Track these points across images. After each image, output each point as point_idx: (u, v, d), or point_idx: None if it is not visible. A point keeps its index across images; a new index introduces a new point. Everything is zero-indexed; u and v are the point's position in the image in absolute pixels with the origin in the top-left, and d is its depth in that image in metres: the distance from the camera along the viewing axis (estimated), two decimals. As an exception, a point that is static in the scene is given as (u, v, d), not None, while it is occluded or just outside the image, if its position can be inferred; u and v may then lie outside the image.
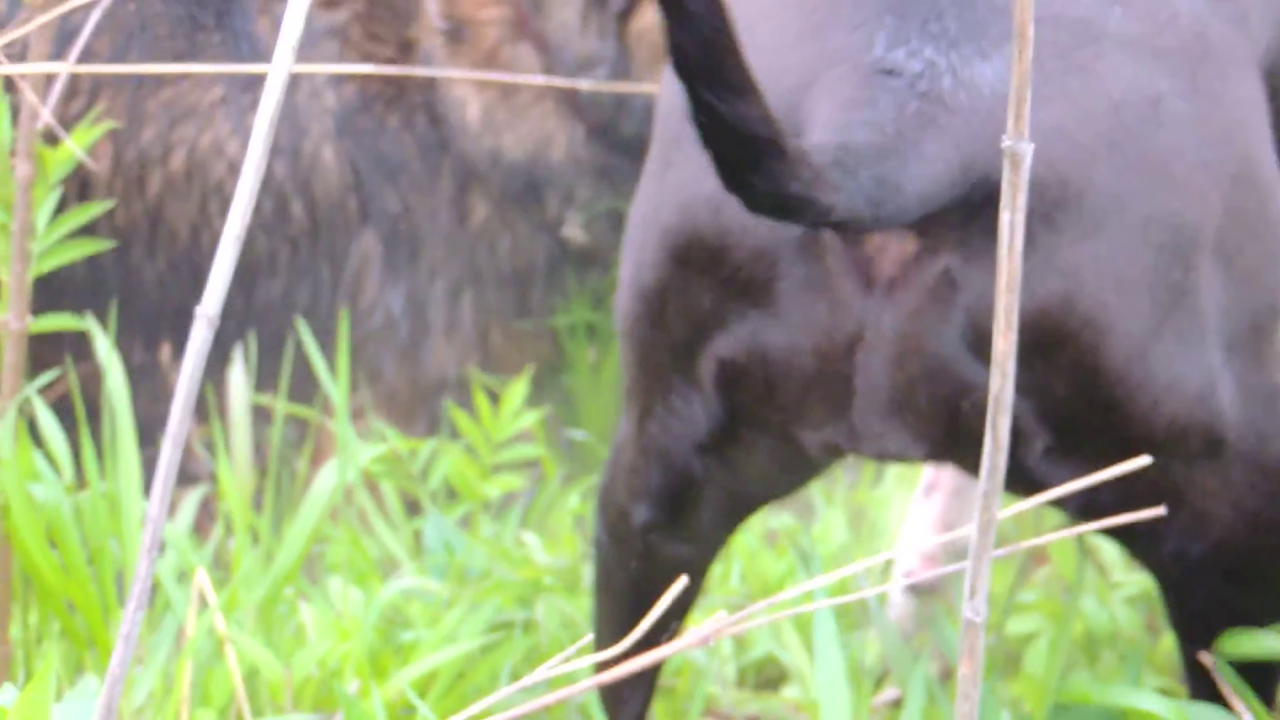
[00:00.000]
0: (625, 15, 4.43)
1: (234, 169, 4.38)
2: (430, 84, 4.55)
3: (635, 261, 3.63)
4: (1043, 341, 3.34)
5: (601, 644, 3.48)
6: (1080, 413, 3.43)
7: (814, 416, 3.38)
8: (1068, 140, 3.50)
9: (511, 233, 4.57)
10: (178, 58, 4.58)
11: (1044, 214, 3.38)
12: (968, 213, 3.26)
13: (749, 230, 3.30)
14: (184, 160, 4.59)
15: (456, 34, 4.50)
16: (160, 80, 4.55)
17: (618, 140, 4.54)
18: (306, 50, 4.41)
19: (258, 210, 4.24)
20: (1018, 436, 3.12)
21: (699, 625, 2.97)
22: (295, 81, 4.42)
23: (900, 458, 3.66)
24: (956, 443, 3.35)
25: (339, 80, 4.51)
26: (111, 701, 2.09)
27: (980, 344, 3.11)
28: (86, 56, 3.67)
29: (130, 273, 4.50)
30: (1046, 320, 3.35)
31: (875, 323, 3.26)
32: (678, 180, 3.54)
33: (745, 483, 3.58)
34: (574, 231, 4.67)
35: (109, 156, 4.48)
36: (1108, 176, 3.54)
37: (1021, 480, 3.33)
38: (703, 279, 3.39)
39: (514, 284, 4.59)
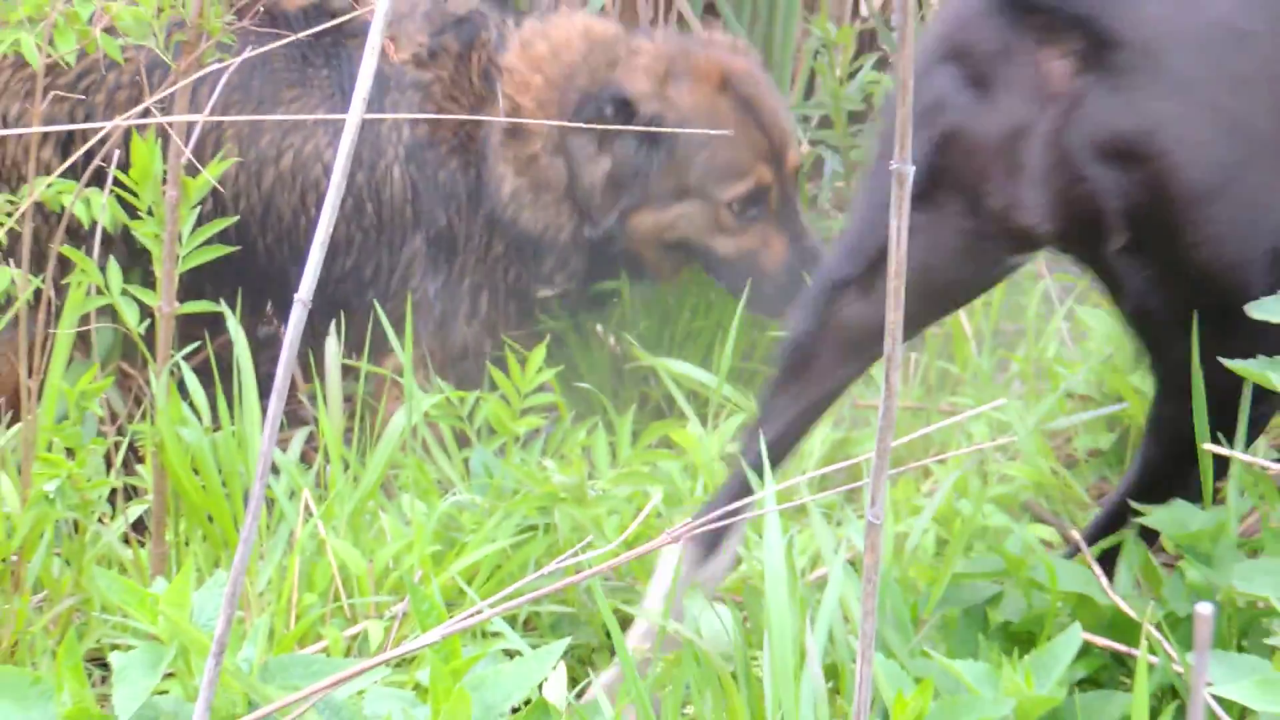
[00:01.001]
0: (626, 214, 4.51)
1: (327, 171, 4.41)
2: (484, 154, 4.55)
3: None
4: (1128, 158, 3.54)
5: (761, 407, 3.58)
6: (1153, 222, 3.55)
7: (994, 181, 3.57)
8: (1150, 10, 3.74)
9: (519, 268, 4.62)
10: (290, 86, 4.60)
11: (1129, 67, 3.65)
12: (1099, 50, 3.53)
13: (990, 38, 3.61)
14: (290, 162, 4.62)
15: (514, 130, 4.50)
16: (277, 100, 4.59)
17: (608, 241, 4.53)
18: (395, 95, 4.56)
19: (340, 206, 4.22)
20: (1102, 230, 3.56)
21: (674, 527, 2.95)
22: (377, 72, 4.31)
23: (1035, 236, 3.73)
24: (1071, 223, 3.60)
25: (415, 121, 4.49)
26: (236, 589, 2.07)
27: (1096, 147, 3.56)
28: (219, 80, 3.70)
29: (247, 247, 4.49)
30: (1131, 145, 3.56)
31: (1039, 118, 3.54)
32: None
33: (931, 256, 3.61)
34: (559, 287, 4.70)
35: (236, 154, 4.49)
36: (1189, 45, 3.76)
37: (1100, 269, 3.73)
38: (947, 66, 3.61)
39: (516, 297, 4.65)
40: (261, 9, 4.16)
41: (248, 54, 4.03)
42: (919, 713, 2.55)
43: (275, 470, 3.60)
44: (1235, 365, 3.02)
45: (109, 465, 3.67)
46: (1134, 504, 3.20)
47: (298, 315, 2.05)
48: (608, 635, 3.06)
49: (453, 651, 2.31)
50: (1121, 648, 2.73)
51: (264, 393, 3.63)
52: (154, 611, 2.42)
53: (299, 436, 3.97)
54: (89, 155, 3.94)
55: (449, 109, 4.57)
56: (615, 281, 4.77)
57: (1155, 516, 2.99)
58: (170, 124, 3.37)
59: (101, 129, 3.84)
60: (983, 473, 3.43)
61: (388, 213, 4.59)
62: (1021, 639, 2.83)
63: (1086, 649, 2.73)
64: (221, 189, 4.15)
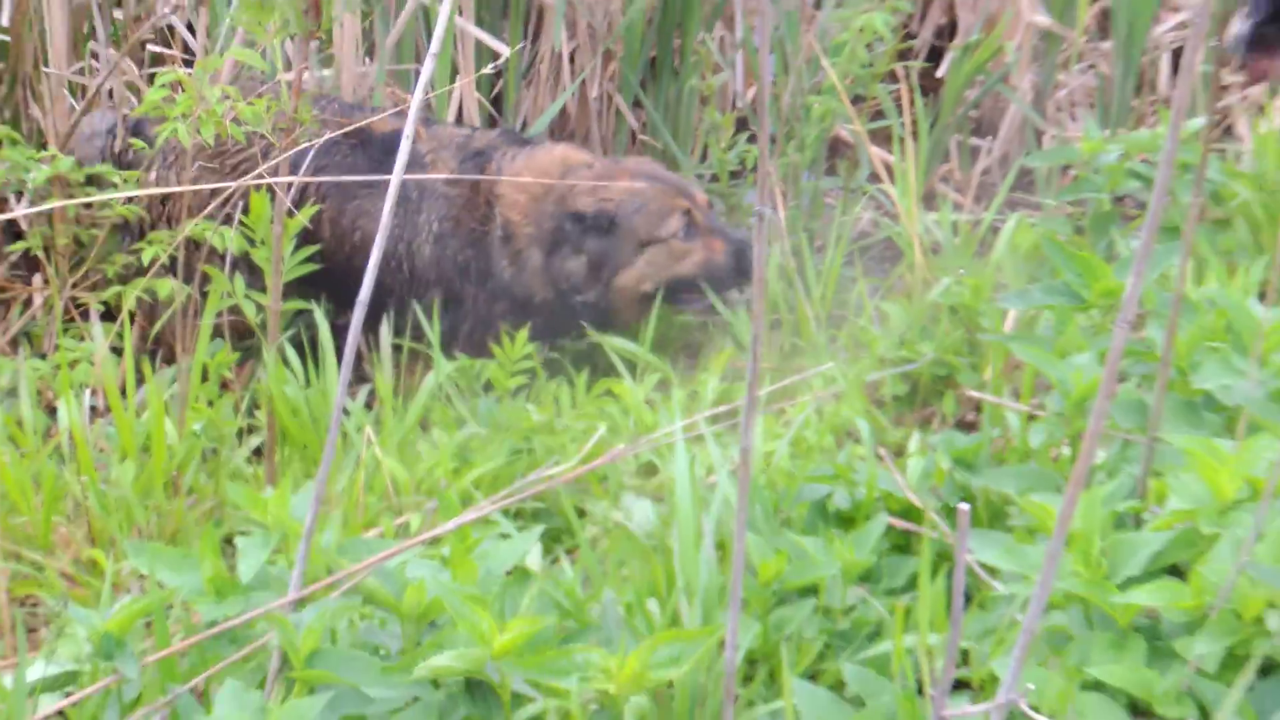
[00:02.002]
0: (609, 282, 4.46)
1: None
2: (489, 248, 4.56)
3: None
4: None
5: None
6: None
7: None
8: None
9: (512, 317, 4.51)
10: (366, 184, 4.48)
11: None
12: None
13: None
14: (355, 210, 4.53)
15: (506, 236, 4.52)
16: (356, 192, 4.50)
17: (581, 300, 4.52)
18: (430, 199, 4.53)
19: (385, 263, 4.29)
20: None
21: (613, 449, 2.92)
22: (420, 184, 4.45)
23: None
24: None
25: (442, 218, 4.53)
26: (319, 493, 2.05)
27: None
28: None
29: (335, 267, 4.42)
30: None
31: None
32: None
33: None
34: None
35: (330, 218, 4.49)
36: None
37: None
38: None
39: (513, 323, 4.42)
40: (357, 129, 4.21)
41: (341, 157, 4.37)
42: (777, 571, 2.54)
43: (346, 413, 3.58)
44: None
45: (236, 411, 3.63)
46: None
47: (358, 313, 2.05)
48: (569, 522, 3.05)
49: (466, 534, 2.29)
50: (913, 527, 2.71)
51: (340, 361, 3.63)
52: (265, 509, 2.41)
53: (363, 391, 3.94)
54: (223, 204, 3.96)
55: (463, 217, 4.55)
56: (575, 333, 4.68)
57: (936, 439, 2.98)
58: (275, 185, 3.34)
59: (229, 188, 3.81)
60: (820, 411, 3.40)
61: (417, 273, 4.56)
62: (847, 522, 2.81)
63: (890, 529, 2.73)
64: (310, 228, 4.12)
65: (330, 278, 4.36)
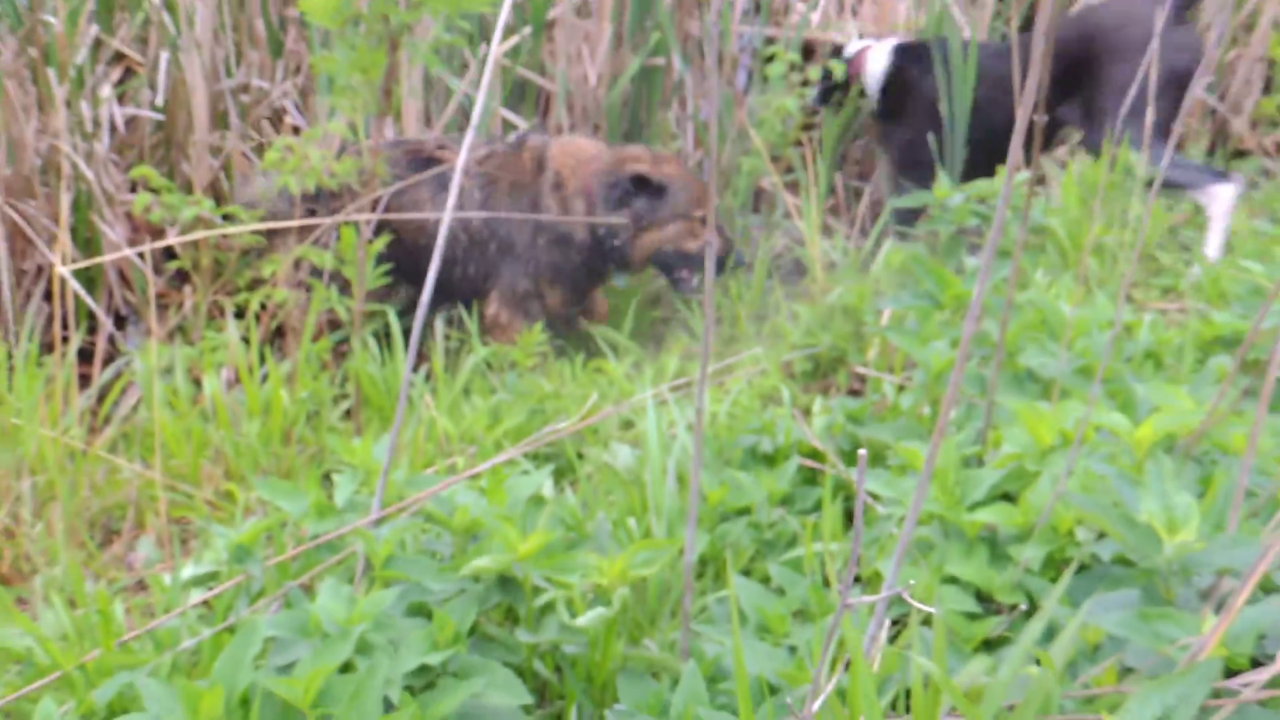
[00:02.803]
0: (639, 231, 4.36)
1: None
2: (540, 194, 4.38)
3: None
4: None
5: None
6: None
7: None
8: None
9: (554, 253, 4.43)
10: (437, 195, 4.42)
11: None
12: None
13: None
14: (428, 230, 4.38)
15: (556, 183, 4.36)
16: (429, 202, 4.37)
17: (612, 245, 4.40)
18: (466, 180, 4.36)
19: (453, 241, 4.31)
20: None
21: (603, 409, 2.91)
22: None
23: None
24: None
25: (484, 187, 4.37)
26: (392, 442, 2.02)
27: None
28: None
29: (412, 259, 4.30)
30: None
31: None
32: None
33: None
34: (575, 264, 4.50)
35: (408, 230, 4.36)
36: None
37: None
38: None
39: (551, 269, 4.47)
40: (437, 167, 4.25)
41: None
42: (721, 498, 2.53)
43: (412, 385, 3.56)
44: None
45: (331, 383, 3.63)
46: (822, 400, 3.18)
47: (422, 310, 2.02)
48: (572, 463, 3.04)
49: (498, 471, 2.28)
50: (818, 465, 2.71)
51: (407, 347, 3.61)
52: (354, 454, 2.40)
53: (424, 369, 3.91)
54: (318, 237, 3.95)
55: (500, 177, 4.36)
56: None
57: (834, 403, 2.97)
58: (360, 220, 3.32)
59: (324, 222, 3.78)
60: (750, 383, 3.39)
61: (474, 236, 4.42)
62: (771, 462, 2.81)
63: (801, 467, 2.73)
64: (396, 233, 4.04)
65: (412, 268, 4.26)
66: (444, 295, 4.48)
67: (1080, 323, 2.80)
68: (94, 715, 1.96)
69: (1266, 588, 1.64)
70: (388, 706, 1.88)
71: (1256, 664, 1.51)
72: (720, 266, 4.40)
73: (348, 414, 3.61)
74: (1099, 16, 4.62)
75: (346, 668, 1.92)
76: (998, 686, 1.53)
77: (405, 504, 2.20)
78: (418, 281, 4.36)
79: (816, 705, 1.30)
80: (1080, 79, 4.53)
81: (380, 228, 3.97)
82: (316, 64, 3.26)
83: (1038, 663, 1.53)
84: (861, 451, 1.20)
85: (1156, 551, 1.61)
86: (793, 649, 2.05)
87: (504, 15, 2.18)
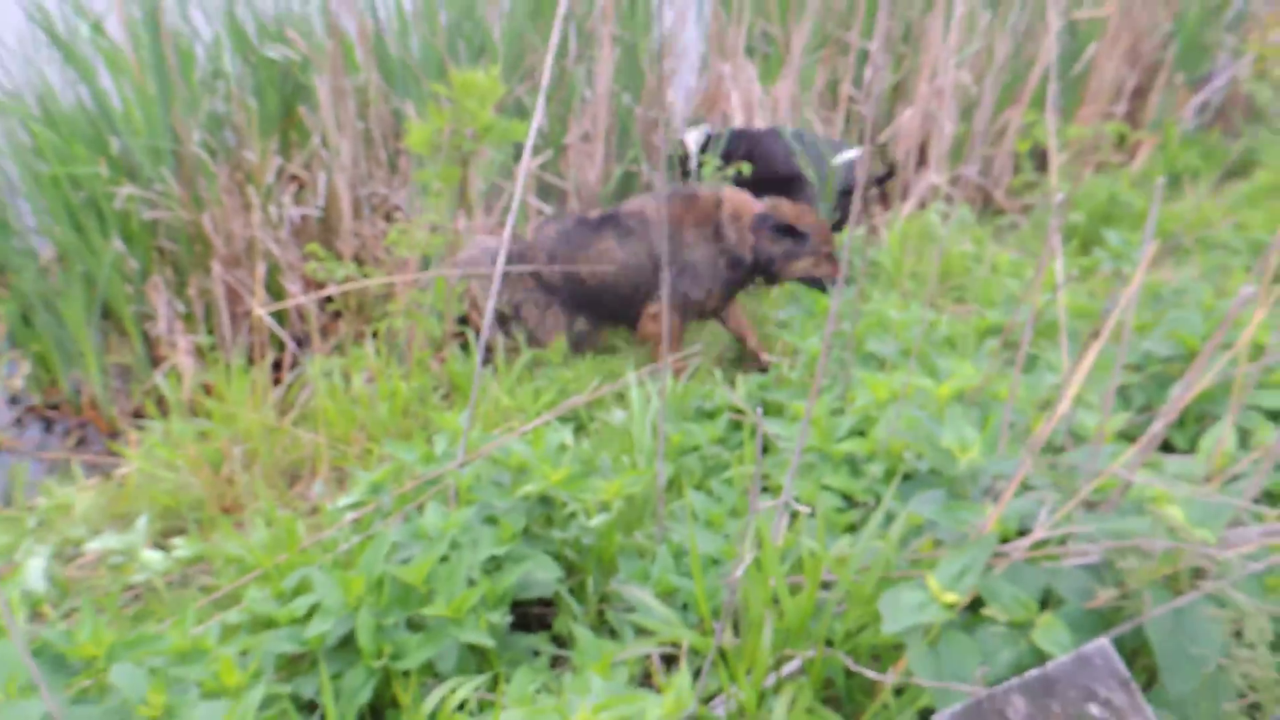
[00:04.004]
0: (788, 261, 3.79)
1: (615, 263, 3.80)
2: (723, 232, 3.76)
3: None
4: None
5: None
6: None
7: None
8: None
9: (730, 271, 3.71)
10: (597, 238, 3.82)
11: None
12: None
13: None
14: (597, 256, 3.81)
15: (731, 220, 3.78)
16: (589, 243, 3.81)
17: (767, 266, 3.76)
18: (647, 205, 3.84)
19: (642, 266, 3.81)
20: None
21: (605, 387, 2.85)
22: (640, 220, 3.80)
23: None
24: None
25: (677, 220, 3.75)
26: (470, 413, 1.97)
27: None
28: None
29: (589, 293, 3.82)
30: None
31: None
32: None
33: None
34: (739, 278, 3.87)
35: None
36: None
37: None
38: None
39: (724, 281, 3.77)
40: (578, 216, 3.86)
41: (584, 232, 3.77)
42: (680, 440, 2.49)
43: (482, 376, 3.49)
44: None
45: (433, 377, 3.56)
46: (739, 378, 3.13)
47: (485, 330, 1.95)
48: (585, 422, 2.99)
49: (539, 430, 2.23)
50: (741, 417, 2.67)
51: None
52: (446, 422, 2.35)
53: (490, 366, 3.81)
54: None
55: (684, 216, 3.73)
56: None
57: (752, 378, 2.92)
58: (445, 274, 3.25)
59: (425, 275, 3.72)
60: (695, 369, 3.35)
61: (657, 264, 3.77)
62: (711, 416, 2.77)
63: (731, 419, 2.68)
64: (580, 275, 3.74)
65: (588, 301, 3.81)
66: (622, 318, 3.91)
67: (902, 322, 2.77)
68: (283, 596, 1.92)
69: (1027, 486, 1.61)
70: (470, 583, 1.85)
71: (1022, 534, 1.48)
72: (834, 284, 3.97)
73: (445, 397, 3.55)
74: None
75: (444, 559, 1.89)
76: (856, 554, 1.50)
77: (479, 453, 2.16)
78: (594, 312, 3.87)
79: (740, 571, 1.27)
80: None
81: (567, 276, 3.72)
82: (417, 176, 3.21)
83: (882, 539, 1.49)
84: (759, 409, 1.16)
85: (954, 465, 1.57)
86: (727, 536, 2.02)
87: (530, 141, 2.14)
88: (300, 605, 1.82)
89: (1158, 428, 1.55)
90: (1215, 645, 1.20)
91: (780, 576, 1.48)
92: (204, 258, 4.33)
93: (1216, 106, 6.39)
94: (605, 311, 3.85)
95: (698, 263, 3.76)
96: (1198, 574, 1.31)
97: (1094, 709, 0.78)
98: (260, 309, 3.92)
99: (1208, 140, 5.81)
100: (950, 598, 1.28)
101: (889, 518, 1.69)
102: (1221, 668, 1.26)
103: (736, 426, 2.72)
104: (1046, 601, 1.40)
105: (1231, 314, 1.42)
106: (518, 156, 4.62)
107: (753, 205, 3.83)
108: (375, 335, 4.06)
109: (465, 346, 3.85)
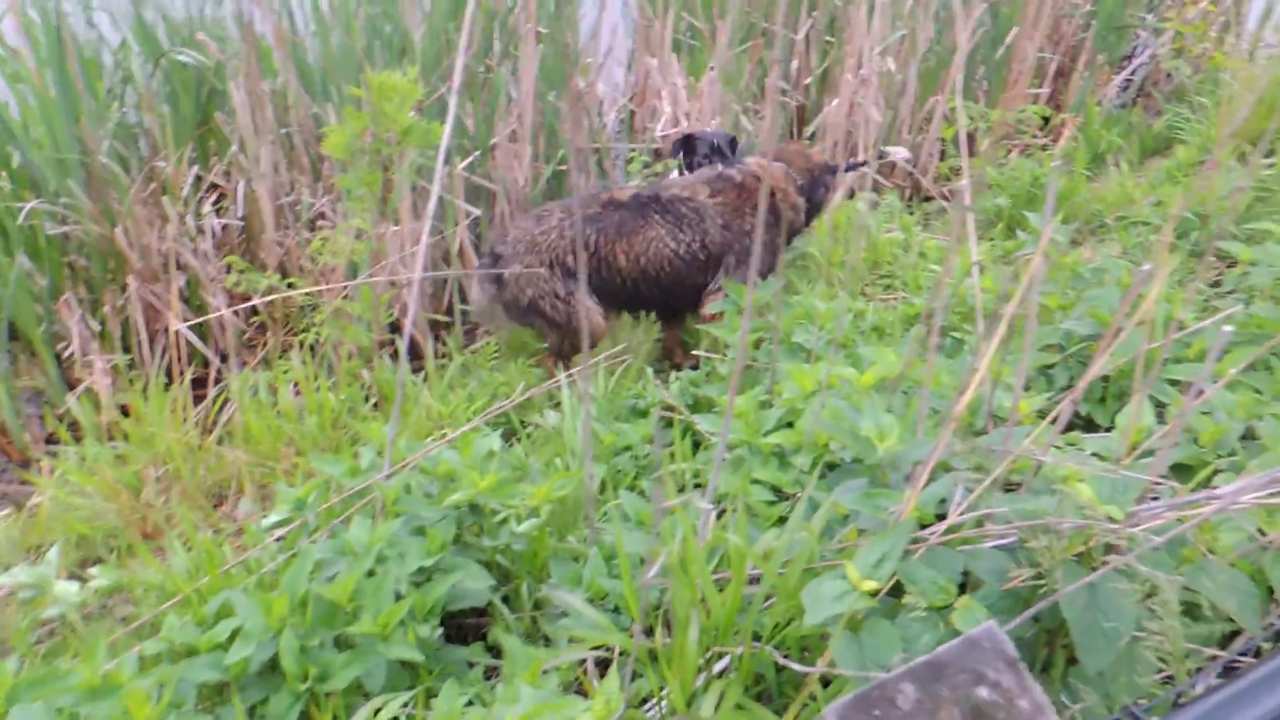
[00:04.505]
0: (827, 194, 3.78)
1: (668, 251, 3.48)
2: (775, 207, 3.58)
3: None
4: None
5: None
6: None
7: None
8: None
9: (780, 237, 3.53)
10: (639, 221, 3.49)
11: None
12: None
13: None
14: (644, 240, 3.50)
15: (784, 196, 3.59)
16: (633, 227, 3.49)
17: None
18: (707, 217, 3.50)
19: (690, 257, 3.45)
20: None
21: (533, 389, 2.83)
22: (693, 207, 3.50)
23: None
24: None
25: (722, 212, 3.50)
26: (394, 423, 1.94)
27: None
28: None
29: (625, 285, 3.52)
30: None
31: None
32: None
33: None
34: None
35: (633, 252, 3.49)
36: None
37: None
38: None
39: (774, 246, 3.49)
40: (606, 199, 3.50)
41: (610, 214, 3.47)
42: (612, 441, 2.49)
43: (413, 384, 3.44)
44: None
45: (363, 388, 3.50)
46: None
47: (406, 337, 1.92)
48: (516, 426, 2.97)
49: (468, 436, 2.21)
50: (672, 415, 2.67)
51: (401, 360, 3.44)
52: (372, 432, 2.31)
53: (420, 376, 3.73)
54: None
55: (742, 206, 3.50)
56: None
57: (683, 374, 2.93)
58: (360, 286, 3.19)
59: (347, 285, 3.66)
60: (626, 368, 3.35)
61: (712, 252, 3.48)
62: (643, 414, 2.77)
63: (663, 416, 2.69)
64: (614, 261, 3.43)
65: (620, 289, 3.51)
66: (659, 305, 3.65)
67: (828, 312, 2.79)
68: (204, 622, 1.88)
69: (945, 467, 1.63)
70: (397, 597, 1.82)
71: (941, 518, 1.50)
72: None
73: (376, 406, 3.51)
74: None
75: (370, 574, 1.86)
76: (780, 547, 1.51)
77: (405, 463, 2.14)
78: (624, 300, 3.56)
79: (652, 572, 1.27)
80: None
81: (595, 252, 3.43)
82: (339, 182, 3.17)
83: (806, 531, 1.51)
84: (686, 408, 1.16)
85: (874, 453, 1.59)
86: (658, 534, 2.02)
87: (445, 143, 2.11)
88: (223, 630, 1.78)
89: (1065, 405, 1.59)
90: (1129, 620, 1.24)
91: (705, 574, 1.48)
92: (119, 273, 4.21)
93: (1138, 85, 6.56)
94: (638, 300, 3.59)
95: (761, 246, 3.29)
96: (1110, 550, 1.34)
97: (983, 691, 0.80)
98: (179, 324, 3.83)
99: (1129, 119, 5.95)
100: (869, 585, 1.30)
101: (814, 508, 1.70)
102: (1136, 641, 1.29)
103: (669, 423, 2.72)
104: (967, 584, 1.42)
105: (1134, 290, 1.46)
106: (445, 158, 4.56)
107: (788, 173, 3.65)
108: (302, 347, 3.99)
109: (396, 355, 3.80)
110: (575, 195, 3.72)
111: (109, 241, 4.15)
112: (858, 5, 5.16)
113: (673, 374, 3.07)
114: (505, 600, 2.05)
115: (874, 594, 1.30)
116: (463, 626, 2.08)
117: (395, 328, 4.32)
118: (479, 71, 4.85)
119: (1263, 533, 1.41)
